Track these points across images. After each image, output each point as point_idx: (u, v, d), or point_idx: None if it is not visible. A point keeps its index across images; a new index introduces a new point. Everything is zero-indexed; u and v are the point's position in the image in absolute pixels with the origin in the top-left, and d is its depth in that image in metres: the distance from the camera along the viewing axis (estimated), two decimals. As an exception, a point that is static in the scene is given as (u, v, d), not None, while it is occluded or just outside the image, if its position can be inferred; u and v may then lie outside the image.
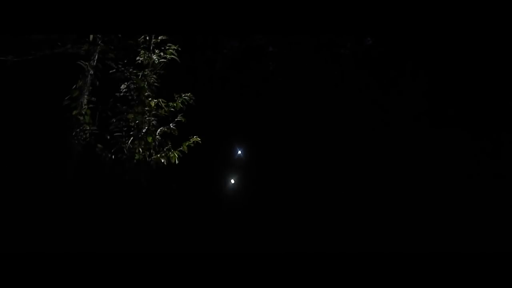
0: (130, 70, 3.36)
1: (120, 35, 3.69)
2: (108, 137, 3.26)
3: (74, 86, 3.22)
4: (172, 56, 3.51)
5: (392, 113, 5.32)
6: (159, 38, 3.56)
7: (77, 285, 3.65)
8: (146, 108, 3.33)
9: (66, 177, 3.18)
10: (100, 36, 3.39)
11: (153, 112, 3.40)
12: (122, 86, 3.33)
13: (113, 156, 3.17)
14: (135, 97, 3.35)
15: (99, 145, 3.16)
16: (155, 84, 3.44)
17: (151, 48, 3.51)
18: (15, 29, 3.54)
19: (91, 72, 3.27)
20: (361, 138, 5.50)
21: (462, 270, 4.00)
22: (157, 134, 3.41)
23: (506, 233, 4.27)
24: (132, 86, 3.34)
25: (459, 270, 4.02)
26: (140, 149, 3.27)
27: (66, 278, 3.62)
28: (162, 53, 3.50)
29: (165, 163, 3.40)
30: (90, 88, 3.30)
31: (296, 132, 6.18)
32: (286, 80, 5.87)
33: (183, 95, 3.57)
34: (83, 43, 3.34)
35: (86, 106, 3.23)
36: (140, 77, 3.33)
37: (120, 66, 3.37)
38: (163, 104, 3.46)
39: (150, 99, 3.38)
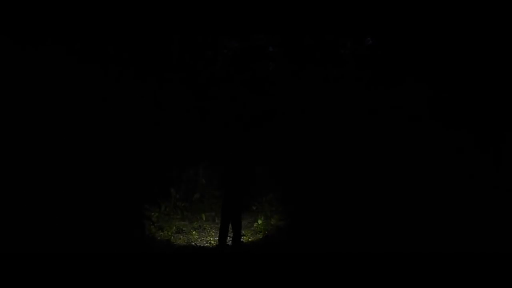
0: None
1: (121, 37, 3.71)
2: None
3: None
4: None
5: (391, 113, 5.32)
6: None
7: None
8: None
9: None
10: None
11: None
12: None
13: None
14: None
15: None
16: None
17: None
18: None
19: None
20: (360, 138, 5.50)
21: (462, 270, 4.01)
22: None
23: (506, 233, 4.27)
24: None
25: (459, 270, 4.03)
26: None
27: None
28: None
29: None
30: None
31: (295, 132, 6.18)
32: (286, 80, 5.86)
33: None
34: None
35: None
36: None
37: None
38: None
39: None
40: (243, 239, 6.71)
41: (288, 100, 6.00)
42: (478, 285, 3.76)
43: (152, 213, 6.98)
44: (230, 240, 6.13)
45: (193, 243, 6.86)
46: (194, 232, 7.69)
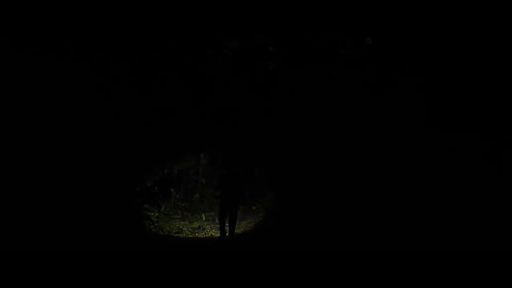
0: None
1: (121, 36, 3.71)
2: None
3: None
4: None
5: (391, 114, 5.32)
6: None
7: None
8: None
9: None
10: None
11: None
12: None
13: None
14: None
15: None
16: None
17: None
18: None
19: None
20: (359, 139, 5.50)
21: (462, 270, 4.01)
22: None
23: (506, 233, 4.27)
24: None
25: (459, 270, 4.03)
26: None
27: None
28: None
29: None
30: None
31: (295, 132, 6.18)
32: (286, 80, 5.87)
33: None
34: None
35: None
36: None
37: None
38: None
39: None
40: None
41: (288, 100, 6.00)
42: (478, 285, 3.76)
43: (152, 213, 6.98)
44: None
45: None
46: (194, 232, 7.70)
